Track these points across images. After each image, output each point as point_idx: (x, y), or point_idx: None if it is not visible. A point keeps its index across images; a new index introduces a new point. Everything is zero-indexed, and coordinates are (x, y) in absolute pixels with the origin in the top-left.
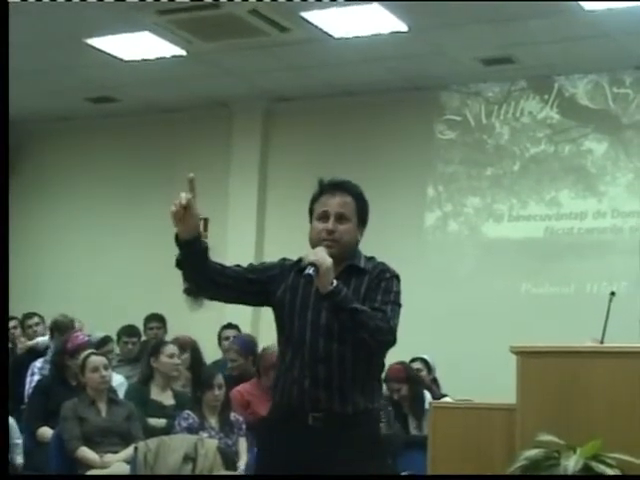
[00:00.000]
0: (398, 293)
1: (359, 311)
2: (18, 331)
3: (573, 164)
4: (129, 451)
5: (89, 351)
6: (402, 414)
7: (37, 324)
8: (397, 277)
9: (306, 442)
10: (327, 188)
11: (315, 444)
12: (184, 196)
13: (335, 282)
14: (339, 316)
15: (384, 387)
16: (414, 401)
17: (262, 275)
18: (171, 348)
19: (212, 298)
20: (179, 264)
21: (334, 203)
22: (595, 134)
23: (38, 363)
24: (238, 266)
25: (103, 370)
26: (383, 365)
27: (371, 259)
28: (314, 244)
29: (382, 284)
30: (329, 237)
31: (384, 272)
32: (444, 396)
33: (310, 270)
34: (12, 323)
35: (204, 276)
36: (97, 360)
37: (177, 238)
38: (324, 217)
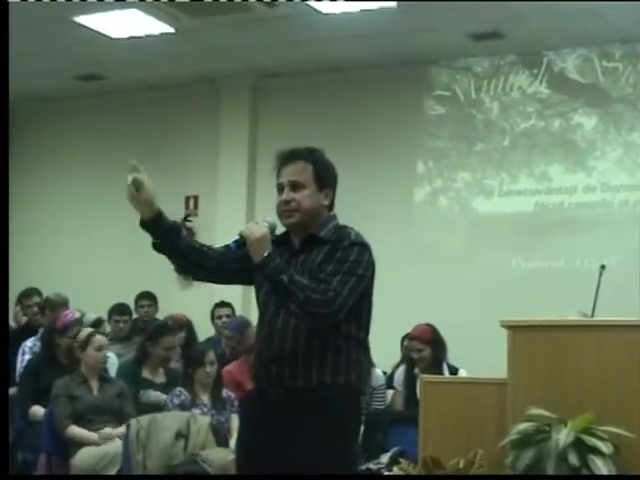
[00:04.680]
0: (356, 262)
1: (289, 282)
2: (17, 308)
3: (563, 138)
4: (123, 429)
5: (92, 330)
6: (413, 375)
7: (37, 304)
8: (360, 244)
9: (267, 416)
10: (282, 159)
11: (274, 418)
12: (129, 176)
13: (266, 253)
14: (274, 288)
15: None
16: (433, 365)
17: (244, 252)
18: (170, 340)
19: (198, 279)
20: (154, 246)
21: (287, 173)
22: (585, 108)
23: (29, 342)
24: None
25: (105, 350)
26: (353, 338)
27: (342, 228)
28: (279, 219)
29: (337, 254)
30: (286, 207)
31: (342, 240)
32: (457, 370)
33: (230, 242)
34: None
35: (186, 258)
36: (102, 340)
37: (141, 222)
38: (281, 189)
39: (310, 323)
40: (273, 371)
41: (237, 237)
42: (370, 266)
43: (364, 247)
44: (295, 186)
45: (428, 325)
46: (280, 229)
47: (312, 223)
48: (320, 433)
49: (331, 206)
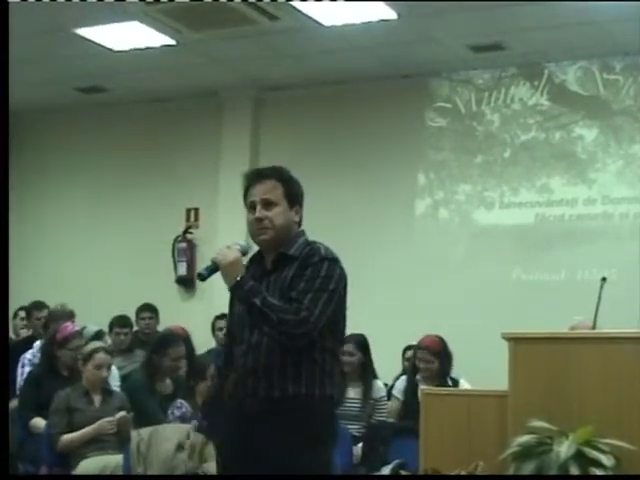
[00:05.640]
0: (327, 278)
1: (262, 305)
2: (20, 321)
3: (564, 151)
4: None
5: (98, 345)
6: (414, 385)
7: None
8: (330, 259)
9: (242, 427)
10: (251, 178)
11: (248, 429)
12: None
13: (239, 277)
14: (247, 311)
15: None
16: (438, 377)
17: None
18: (178, 350)
19: None
20: None
21: (258, 191)
22: (585, 120)
23: (28, 355)
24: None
25: (105, 370)
26: (328, 351)
27: (310, 243)
28: (251, 237)
29: (307, 270)
30: (260, 225)
31: (311, 257)
32: (458, 381)
33: (201, 269)
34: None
35: None
36: (103, 358)
37: None
38: (252, 207)
39: (284, 343)
40: (249, 384)
41: (209, 263)
42: (342, 280)
43: (334, 262)
44: (267, 204)
45: (438, 337)
46: (253, 251)
47: (284, 240)
48: (296, 443)
49: (300, 222)
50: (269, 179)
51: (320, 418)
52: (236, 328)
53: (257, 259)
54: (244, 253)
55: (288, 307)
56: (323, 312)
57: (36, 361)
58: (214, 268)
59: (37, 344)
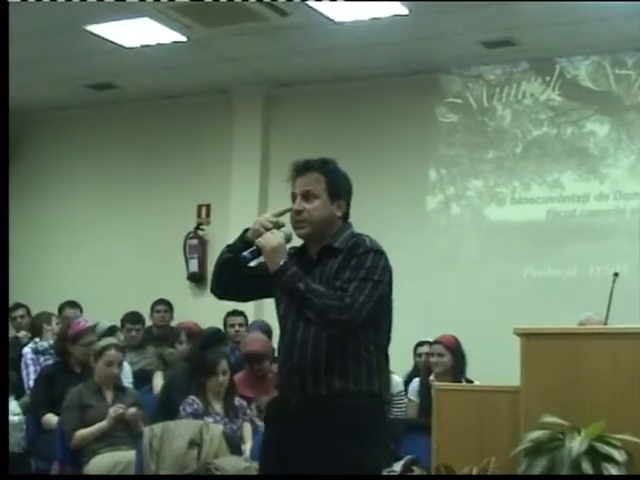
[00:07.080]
0: (373, 268)
1: (306, 290)
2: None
3: (575, 146)
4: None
5: (110, 342)
6: (428, 385)
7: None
8: (376, 251)
9: (289, 425)
10: (296, 170)
11: (296, 427)
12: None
13: (282, 262)
14: (290, 296)
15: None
16: (451, 374)
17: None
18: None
19: (233, 299)
20: (224, 262)
21: (301, 183)
22: (597, 116)
23: (29, 354)
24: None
25: (116, 367)
26: (373, 344)
27: (356, 236)
28: (293, 229)
29: (353, 261)
30: (298, 217)
31: (357, 247)
32: (470, 382)
33: (245, 252)
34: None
35: (234, 280)
36: (114, 355)
37: (243, 236)
38: (294, 199)
39: (328, 330)
40: (296, 381)
41: (253, 247)
42: (387, 272)
43: (379, 253)
44: (307, 196)
45: (453, 336)
46: (296, 238)
47: (325, 233)
48: (344, 441)
49: (345, 217)
50: (312, 171)
51: (368, 415)
52: (281, 319)
53: (302, 252)
54: (288, 240)
55: (332, 293)
56: (367, 301)
57: (33, 357)
58: (257, 252)
59: (31, 345)
